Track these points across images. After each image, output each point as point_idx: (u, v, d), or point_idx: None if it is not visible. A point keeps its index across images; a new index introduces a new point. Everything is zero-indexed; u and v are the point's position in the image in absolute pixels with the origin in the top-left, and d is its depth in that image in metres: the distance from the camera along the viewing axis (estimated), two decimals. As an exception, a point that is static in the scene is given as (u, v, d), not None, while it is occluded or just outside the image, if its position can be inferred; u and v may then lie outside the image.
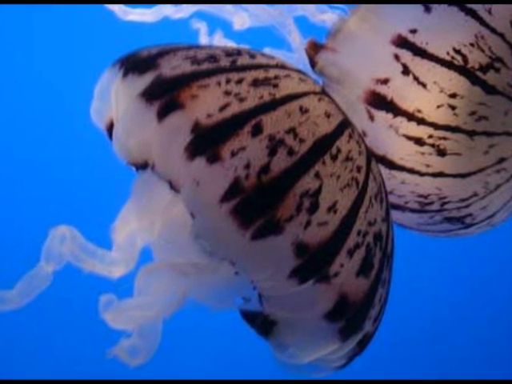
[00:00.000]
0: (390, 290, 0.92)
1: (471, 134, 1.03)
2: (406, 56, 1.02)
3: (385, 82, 1.03)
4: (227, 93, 0.81)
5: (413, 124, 1.03)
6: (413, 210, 1.11)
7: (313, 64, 1.08)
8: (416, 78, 1.02)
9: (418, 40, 1.02)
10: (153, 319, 0.85)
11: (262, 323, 0.87)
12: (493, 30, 1.02)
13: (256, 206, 0.78)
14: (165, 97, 0.81)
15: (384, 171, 1.05)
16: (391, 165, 1.06)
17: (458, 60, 1.01)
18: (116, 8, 1.11)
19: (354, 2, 1.06)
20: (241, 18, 1.13)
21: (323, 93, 0.88)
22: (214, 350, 2.48)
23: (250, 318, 0.88)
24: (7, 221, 2.42)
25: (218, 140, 0.79)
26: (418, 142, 1.03)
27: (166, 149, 0.81)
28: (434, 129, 1.03)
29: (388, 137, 1.04)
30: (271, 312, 0.86)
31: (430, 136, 1.03)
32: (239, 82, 0.83)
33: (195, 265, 0.83)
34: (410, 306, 2.43)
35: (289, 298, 0.83)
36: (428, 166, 1.05)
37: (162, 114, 0.81)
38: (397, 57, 1.02)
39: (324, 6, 1.12)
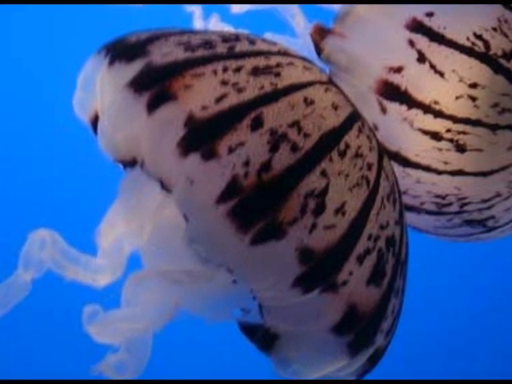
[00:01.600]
0: (404, 300, 0.92)
1: (494, 127, 1.03)
2: (422, 42, 1.02)
3: (398, 70, 1.03)
4: (224, 82, 0.81)
5: (429, 117, 1.03)
6: (429, 212, 1.11)
7: (319, 51, 1.08)
8: (433, 66, 1.02)
9: (434, 24, 1.02)
10: (142, 332, 0.85)
11: (263, 337, 0.87)
12: (517, 13, 1.02)
13: (256, 207, 0.78)
14: (155, 87, 0.81)
15: (397, 169, 1.05)
16: (405, 162, 1.06)
17: (479, 46, 1.01)
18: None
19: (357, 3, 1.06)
20: (239, -1, 1.13)
21: (330, 82, 0.88)
22: (210, 366, 2.48)
23: (250, 331, 0.88)
24: (-19, 224, 2.43)
25: (213, 134, 0.79)
26: (435, 136, 1.04)
27: (156, 144, 0.81)
28: (453, 122, 1.03)
29: (402, 131, 1.04)
30: (273, 325, 0.86)
31: (449, 130, 1.03)
32: (237, 70, 0.83)
33: (189, 272, 0.83)
34: (426, 317, 2.43)
35: (292, 309, 0.83)
36: (446, 163, 1.05)
37: (152, 106, 0.81)
38: (411, 43, 1.02)
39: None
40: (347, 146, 0.83)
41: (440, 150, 1.04)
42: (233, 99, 0.80)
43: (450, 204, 1.09)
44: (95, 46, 0.92)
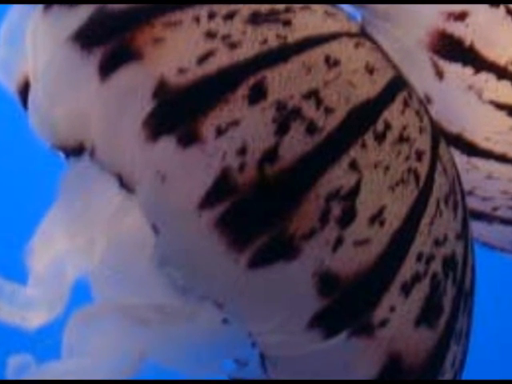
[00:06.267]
0: (468, 346, 0.92)
1: None
2: (495, -24, 1.02)
3: (461, 17, 1.03)
4: (210, 34, 0.81)
5: (505, 84, 1.03)
6: (505, 221, 1.11)
7: (347, -10, 1.08)
8: (510, 12, 1.02)
9: (513, -49, 1.02)
10: (92, 393, 0.85)
11: (267, 399, 0.87)
12: None
13: (256, 214, 0.78)
14: (111, 41, 0.82)
15: (460, 159, 1.05)
16: (471, 149, 1.06)
17: None
18: None
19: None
20: None
21: (363, 35, 0.89)
22: None
23: (248, 391, 0.88)
24: None
25: (195, 109, 0.78)
26: (514, 112, 1.04)
27: (113, 124, 0.81)
28: (539, 92, 1.03)
29: (466, 104, 1.04)
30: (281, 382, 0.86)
31: (533, 103, 1.03)
32: (229, 17, 0.83)
33: (159, 308, 0.83)
34: (501, 370, 2.44)
35: (309, 361, 0.83)
36: (529, 150, 1.05)
37: (106, 69, 0.81)
38: (480, -23, 1.03)
39: None
40: (387, 127, 0.83)
41: (521, 131, 1.04)
42: (223, 58, 0.80)
43: (534, 209, 1.09)
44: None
